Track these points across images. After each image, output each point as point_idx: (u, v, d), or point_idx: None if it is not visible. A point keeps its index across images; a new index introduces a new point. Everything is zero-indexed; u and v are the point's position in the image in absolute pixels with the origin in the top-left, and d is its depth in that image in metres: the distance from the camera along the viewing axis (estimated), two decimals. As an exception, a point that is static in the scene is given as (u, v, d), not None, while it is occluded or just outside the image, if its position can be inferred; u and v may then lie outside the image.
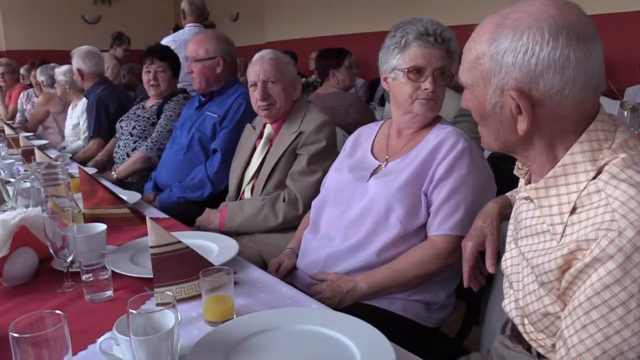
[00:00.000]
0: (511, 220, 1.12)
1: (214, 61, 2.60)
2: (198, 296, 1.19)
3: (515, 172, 1.07)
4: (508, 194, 1.37)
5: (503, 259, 1.11)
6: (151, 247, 1.16)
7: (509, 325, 1.15)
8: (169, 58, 3.12)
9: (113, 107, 3.65)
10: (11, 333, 0.70)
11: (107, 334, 0.92)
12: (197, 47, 2.61)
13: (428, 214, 1.51)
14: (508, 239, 1.12)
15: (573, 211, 0.87)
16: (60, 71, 4.08)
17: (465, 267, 1.27)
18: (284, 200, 2.02)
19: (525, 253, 0.98)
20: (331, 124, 2.12)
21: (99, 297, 1.23)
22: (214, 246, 1.47)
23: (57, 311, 0.76)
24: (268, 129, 2.20)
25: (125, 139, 3.17)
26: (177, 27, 5.27)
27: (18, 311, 1.18)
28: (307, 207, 1.93)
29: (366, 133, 1.76)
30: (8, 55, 7.41)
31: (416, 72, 1.53)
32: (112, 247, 1.47)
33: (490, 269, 1.24)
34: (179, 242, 1.19)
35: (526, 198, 0.99)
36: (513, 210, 1.12)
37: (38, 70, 4.92)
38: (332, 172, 1.77)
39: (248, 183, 2.18)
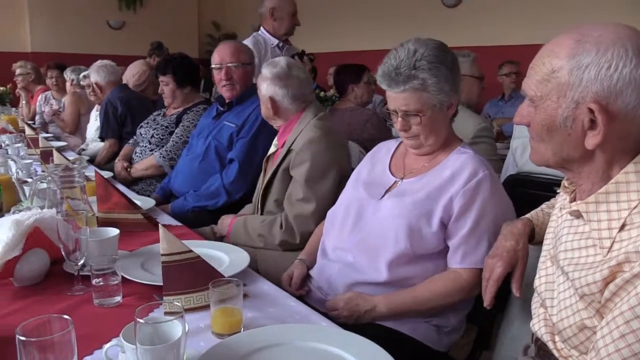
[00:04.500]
0: (547, 239, 1.14)
1: (252, 67, 2.64)
2: (206, 307, 1.18)
3: (561, 189, 1.09)
4: (530, 215, 1.35)
5: (537, 277, 1.12)
6: (162, 254, 1.16)
7: (532, 348, 1.14)
8: (169, 71, 3.08)
9: (121, 108, 3.73)
10: (18, 336, 0.70)
11: (114, 341, 0.92)
12: (237, 52, 2.62)
13: (442, 239, 1.48)
14: (542, 259, 1.13)
15: (622, 228, 0.89)
16: (86, 74, 4.20)
17: (493, 289, 1.26)
18: (281, 227, 1.98)
19: (565, 267, 0.99)
20: (321, 141, 1.97)
21: (108, 302, 1.22)
22: (224, 257, 1.47)
23: (65, 316, 0.76)
24: (275, 141, 2.20)
25: (143, 145, 3.20)
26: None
27: (27, 312, 1.19)
28: (303, 236, 1.92)
29: (385, 149, 1.75)
30: (33, 56, 7.55)
31: (391, 112, 1.53)
32: (124, 253, 1.47)
33: (517, 292, 1.23)
34: (190, 251, 1.18)
35: (571, 213, 1.01)
36: (551, 228, 1.13)
37: (69, 69, 5.01)
38: (348, 187, 1.75)
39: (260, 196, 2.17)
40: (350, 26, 7.43)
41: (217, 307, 1.09)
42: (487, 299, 1.29)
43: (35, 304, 1.23)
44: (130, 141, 3.40)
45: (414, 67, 1.43)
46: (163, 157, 3.00)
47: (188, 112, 3.11)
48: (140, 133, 3.25)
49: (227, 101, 2.71)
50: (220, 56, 2.65)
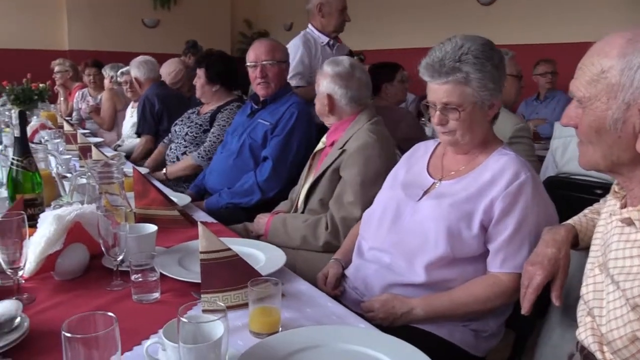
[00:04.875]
0: (595, 246, 1.09)
1: (287, 65, 2.63)
2: (244, 305, 1.17)
3: (611, 194, 1.06)
4: (573, 221, 1.31)
5: (584, 284, 1.08)
6: (201, 252, 1.16)
7: (577, 356, 1.10)
8: (203, 65, 3.13)
9: (158, 105, 3.77)
10: (63, 332, 0.70)
11: (155, 338, 0.92)
12: (273, 50, 2.62)
13: (482, 242, 1.44)
14: (589, 266, 1.09)
15: None
16: (124, 71, 4.27)
17: (532, 297, 1.22)
18: (326, 228, 1.96)
19: (615, 276, 0.95)
20: (375, 146, 1.96)
21: (146, 298, 1.23)
22: (261, 255, 1.46)
23: (110, 313, 0.76)
24: (323, 139, 2.18)
25: (177, 142, 3.23)
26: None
27: (68, 305, 1.20)
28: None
29: (423, 149, 1.72)
30: (71, 54, 7.72)
31: (429, 106, 1.50)
32: (160, 249, 1.48)
33: (557, 301, 1.19)
34: (229, 249, 1.18)
35: (622, 220, 0.97)
36: (598, 234, 1.09)
37: (108, 66, 5.11)
38: (385, 188, 1.73)
39: (304, 192, 2.16)
40: (383, 24, 7.38)
41: (255, 306, 1.08)
42: (525, 307, 1.25)
43: (75, 298, 1.24)
44: (165, 140, 3.44)
45: (459, 59, 1.40)
46: (201, 157, 3.01)
47: (222, 110, 3.12)
48: (175, 130, 3.29)
49: (261, 99, 2.71)
50: (255, 54, 2.65)
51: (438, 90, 1.45)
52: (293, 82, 2.95)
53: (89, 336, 0.70)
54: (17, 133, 1.57)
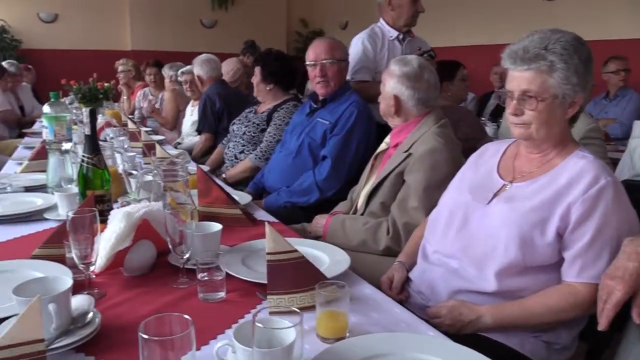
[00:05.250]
0: None
1: (346, 64, 2.61)
2: (310, 308, 1.15)
3: None
4: None
5: None
6: (268, 253, 1.14)
7: None
8: (259, 64, 3.17)
9: (219, 104, 3.82)
10: (140, 333, 0.70)
11: (224, 340, 0.90)
12: (332, 49, 2.60)
13: (557, 250, 1.36)
14: None
15: None
16: (184, 71, 4.35)
17: (611, 313, 1.14)
18: (388, 233, 1.91)
19: None
20: (443, 151, 1.91)
21: (212, 297, 1.23)
22: (324, 257, 1.43)
23: (185, 315, 0.75)
24: (386, 140, 2.14)
25: (235, 141, 3.26)
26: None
27: (137, 301, 1.22)
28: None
29: (492, 150, 1.64)
30: (133, 54, 7.98)
31: (508, 95, 1.42)
32: (224, 247, 1.48)
33: (638, 319, 1.11)
34: (295, 250, 1.16)
35: None
36: None
37: (167, 66, 5.24)
38: (451, 190, 1.67)
39: (364, 193, 2.13)
40: (443, 21, 7.22)
41: (323, 309, 1.06)
42: (602, 323, 1.18)
43: (143, 294, 1.26)
44: (224, 141, 3.48)
45: (545, 48, 1.34)
46: (258, 157, 3.03)
47: (278, 109, 3.13)
48: (233, 129, 3.32)
49: (320, 98, 2.69)
50: (315, 53, 2.64)
51: (518, 78, 1.38)
52: (357, 77, 2.90)
53: (166, 339, 0.70)
54: (87, 131, 1.61)
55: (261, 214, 1.95)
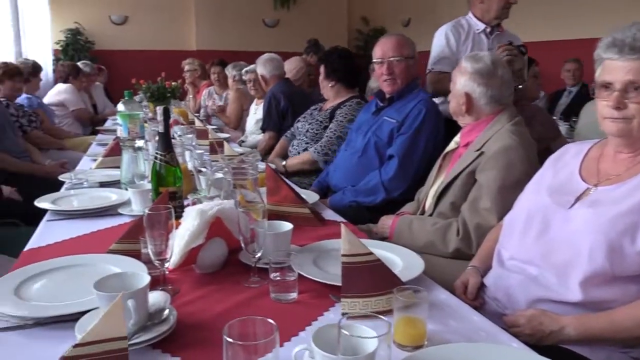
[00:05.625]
0: None
1: (414, 61, 2.55)
2: (384, 312, 1.11)
3: None
4: None
5: None
6: (343, 255, 1.11)
7: None
8: (323, 62, 3.18)
9: (284, 102, 3.84)
10: (225, 337, 0.68)
11: (303, 345, 0.88)
12: (400, 46, 2.55)
13: None
14: None
15: None
16: (248, 70, 4.41)
17: None
18: (458, 234, 1.84)
19: None
20: (518, 150, 1.82)
21: (284, 297, 1.21)
22: (398, 260, 1.39)
23: (270, 320, 0.73)
24: (456, 139, 2.07)
25: (299, 138, 3.27)
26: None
27: (210, 299, 1.22)
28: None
29: (573, 151, 1.55)
30: (198, 54, 8.18)
31: (604, 88, 1.32)
32: (294, 247, 1.46)
33: None
34: (371, 253, 1.13)
35: None
36: None
37: (230, 65, 5.33)
38: (528, 193, 1.58)
39: (433, 194, 2.06)
40: (510, 16, 6.97)
41: (400, 315, 1.02)
42: None
43: (215, 292, 1.26)
44: (287, 134, 3.49)
45: None
46: (317, 152, 3.04)
47: (341, 106, 3.11)
48: (298, 127, 3.33)
49: (387, 96, 2.64)
50: (382, 50, 2.59)
51: (622, 68, 1.29)
52: (437, 67, 2.82)
53: (250, 344, 0.68)
54: (161, 129, 1.63)
55: (329, 214, 1.92)
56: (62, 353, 0.95)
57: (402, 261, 1.38)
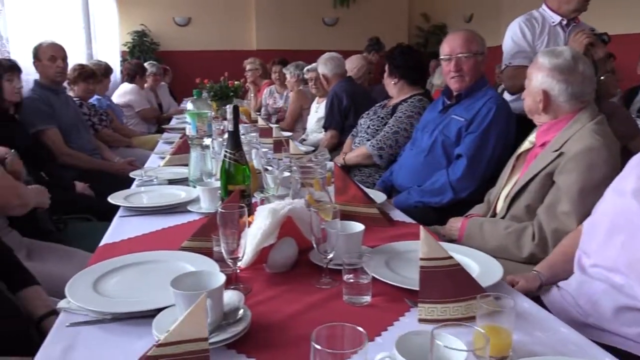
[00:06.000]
0: None
1: (483, 57, 2.46)
2: (462, 319, 1.06)
3: None
4: None
5: None
6: (422, 258, 1.07)
7: None
8: (388, 59, 3.14)
9: (346, 101, 3.81)
10: (313, 343, 0.66)
11: (384, 353, 0.84)
12: (469, 42, 2.47)
13: None
14: None
15: None
16: (309, 68, 4.41)
17: None
18: (533, 239, 1.74)
19: None
20: (601, 151, 1.71)
21: (357, 300, 1.17)
22: (474, 265, 1.32)
23: (359, 328, 0.70)
24: (531, 138, 1.97)
25: (361, 135, 3.24)
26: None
27: (282, 300, 1.20)
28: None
29: None
30: (258, 54, 8.27)
31: None
32: (365, 248, 1.42)
33: None
34: (451, 257, 1.08)
35: None
36: None
37: (292, 65, 5.35)
38: (611, 194, 1.48)
39: (505, 195, 1.98)
40: (592, 5, 6.65)
41: (484, 324, 0.96)
42: None
43: (287, 292, 1.24)
44: (353, 132, 3.46)
45: None
46: (373, 146, 3.00)
47: (403, 103, 3.06)
48: (360, 124, 3.30)
49: (454, 94, 2.56)
50: (450, 46, 2.51)
51: None
52: (515, 62, 2.71)
53: (338, 352, 0.65)
54: (230, 127, 1.64)
55: (397, 214, 1.87)
56: (144, 351, 0.97)
57: (479, 266, 1.31)
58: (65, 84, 3.83)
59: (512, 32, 2.76)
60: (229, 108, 1.63)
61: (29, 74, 3.55)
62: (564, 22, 2.75)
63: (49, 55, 3.44)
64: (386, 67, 3.13)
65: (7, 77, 2.85)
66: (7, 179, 1.88)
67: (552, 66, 1.83)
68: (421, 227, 1.11)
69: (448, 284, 1.07)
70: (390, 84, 3.14)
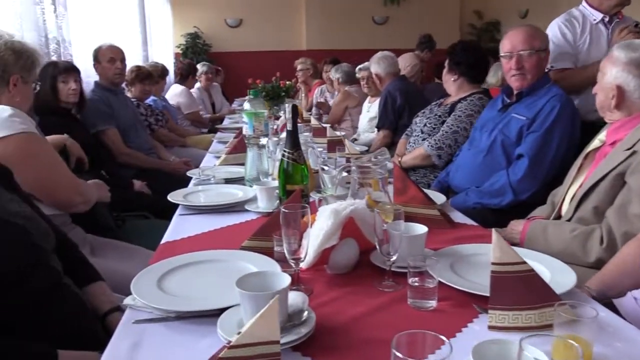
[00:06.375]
0: None
1: (546, 54, 2.38)
2: (535, 328, 1.01)
3: None
4: None
5: None
6: (494, 263, 1.02)
7: None
8: (449, 56, 3.07)
9: (400, 100, 3.76)
10: (393, 350, 0.63)
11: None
12: (531, 38, 2.38)
13: None
14: None
15: None
16: (361, 67, 4.39)
17: None
18: (601, 243, 1.65)
19: None
20: None
21: (423, 305, 1.14)
22: (545, 271, 1.26)
23: (442, 337, 0.67)
24: (601, 136, 1.88)
25: (415, 135, 3.18)
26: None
27: (345, 301, 1.18)
28: None
29: None
30: (308, 53, 8.29)
31: None
32: (428, 251, 1.39)
33: None
34: (524, 262, 1.03)
35: None
36: None
37: (333, 68, 5.34)
38: None
39: (571, 196, 1.89)
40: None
41: (563, 333, 0.91)
42: None
43: (349, 294, 1.22)
44: (408, 131, 3.40)
45: None
46: (431, 146, 2.93)
47: (462, 101, 2.98)
48: (416, 122, 3.24)
49: (515, 92, 2.48)
50: (511, 43, 2.43)
51: None
52: (558, 65, 2.63)
53: (421, 360, 0.63)
54: (289, 127, 1.63)
55: (457, 216, 1.82)
56: (208, 350, 0.97)
57: (550, 272, 1.25)
58: (123, 85, 3.94)
59: (552, 33, 2.67)
60: (287, 107, 1.61)
61: (89, 76, 3.68)
62: (606, 19, 2.65)
63: (108, 57, 3.54)
64: (445, 63, 3.06)
65: (62, 78, 2.93)
66: (71, 177, 1.94)
67: (629, 60, 1.73)
68: (493, 230, 1.06)
69: (521, 291, 1.02)
70: (450, 81, 3.07)
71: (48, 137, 2.10)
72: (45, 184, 1.80)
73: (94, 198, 2.06)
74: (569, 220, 1.86)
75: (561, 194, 2.00)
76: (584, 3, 2.75)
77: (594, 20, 2.68)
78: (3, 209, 1.26)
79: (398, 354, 0.63)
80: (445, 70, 3.06)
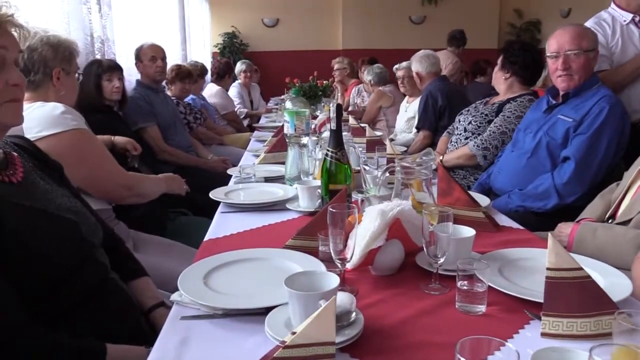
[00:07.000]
0: None
1: (595, 54, 2.31)
2: (590, 337, 0.98)
3: None
4: None
5: None
6: (549, 269, 1.00)
7: None
8: (504, 52, 3.00)
9: (441, 101, 3.71)
10: (458, 355, 0.62)
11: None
12: (579, 38, 2.32)
13: None
14: None
15: None
16: (399, 67, 4.37)
17: None
18: None
19: None
20: None
21: (471, 309, 1.12)
22: (599, 277, 1.22)
23: (510, 344, 0.66)
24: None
25: (458, 133, 3.13)
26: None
27: (391, 303, 1.17)
28: None
29: None
30: (344, 53, 8.29)
31: None
32: (474, 254, 1.36)
33: None
34: (581, 268, 1.00)
35: None
36: None
37: (365, 70, 5.32)
38: None
39: (630, 199, 1.83)
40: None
41: (621, 343, 0.88)
42: None
43: (395, 296, 1.20)
44: (449, 129, 3.35)
45: None
46: (477, 146, 2.87)
47: (511, 102, 2.91)
48: (459, 120, 3.18)
49: (561, 93, 2.41)
50: (558, 43, 2.37)
51: None
52: (595, 68, 2.57)
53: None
54: (333, 126, 1.62)
55: (502, 219, 1.78)
56: (256, 348, 0.97)
57: (604, 279, 1.21)
58: (163, 83, 4.01)
59: None
60: (331, 107, 1.61)
61: (131, 75, 3.76)
62: (637, 19, 2.58)
63: (150, 56, 3.61)
64: (499, 60, 2.99)
65: (106, 76, 3.01)
66: (119, 171, 1.98)
67: None
68: (549, 234, 1.03)
69: (576, 297, 0.99)
70: (501, 79, 3.00)
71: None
72: (96, 178, 1.86)
73: (150, 191, 2.11)
74: (625, 222, 1.80)
75: (617, 195, 1.93)
76: (612, 5, 2.70)
77: (624, 21, 2.63)
78: (55, 204, 1.29)
79: (461, 358, 0.61)
80: (497, 68, 2.99)
